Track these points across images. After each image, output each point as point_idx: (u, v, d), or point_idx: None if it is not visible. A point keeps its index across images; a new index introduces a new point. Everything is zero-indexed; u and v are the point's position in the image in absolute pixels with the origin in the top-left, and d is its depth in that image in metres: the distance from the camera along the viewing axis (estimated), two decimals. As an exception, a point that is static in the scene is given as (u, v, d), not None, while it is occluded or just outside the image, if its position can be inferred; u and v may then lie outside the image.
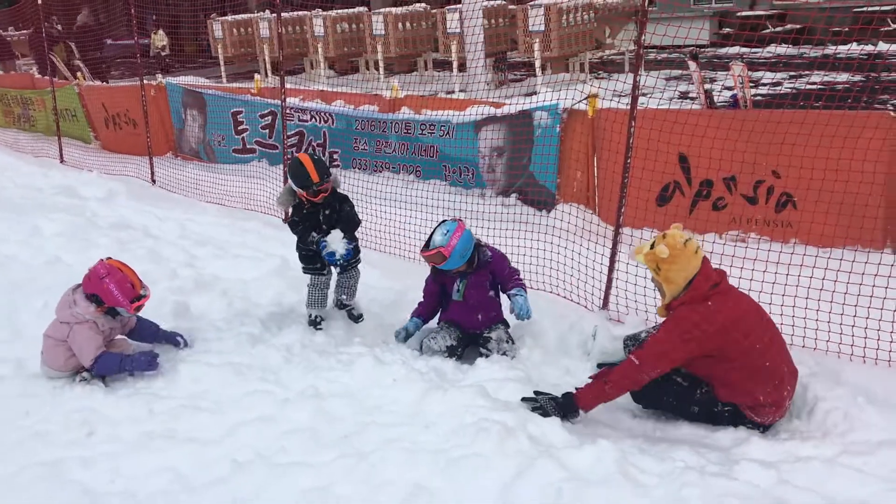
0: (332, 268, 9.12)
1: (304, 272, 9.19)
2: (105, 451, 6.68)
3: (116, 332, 8.25)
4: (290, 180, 8.66)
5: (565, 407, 6.93)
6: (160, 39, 29.07)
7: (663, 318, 7.09)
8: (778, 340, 6.91)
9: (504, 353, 8.18)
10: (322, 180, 8.45)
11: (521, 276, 8.66)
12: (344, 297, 9.25)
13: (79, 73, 23.50)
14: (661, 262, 6.79)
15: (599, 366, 7.87)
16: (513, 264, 8.79)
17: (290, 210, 8.88)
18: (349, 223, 8.83)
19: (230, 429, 6.87)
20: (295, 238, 8.92)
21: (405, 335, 8.60)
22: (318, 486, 6.02)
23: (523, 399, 7.16)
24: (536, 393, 7.26)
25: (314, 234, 8.64)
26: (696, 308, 6.69)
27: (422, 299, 8.83)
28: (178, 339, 8.52)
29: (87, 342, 7.79)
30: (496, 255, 8.55)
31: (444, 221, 8.33)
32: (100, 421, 7.13)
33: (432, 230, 8.28)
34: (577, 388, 7.04)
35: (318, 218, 8.74)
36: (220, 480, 6.18)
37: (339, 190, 8.90)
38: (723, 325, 6.61)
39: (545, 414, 6.92)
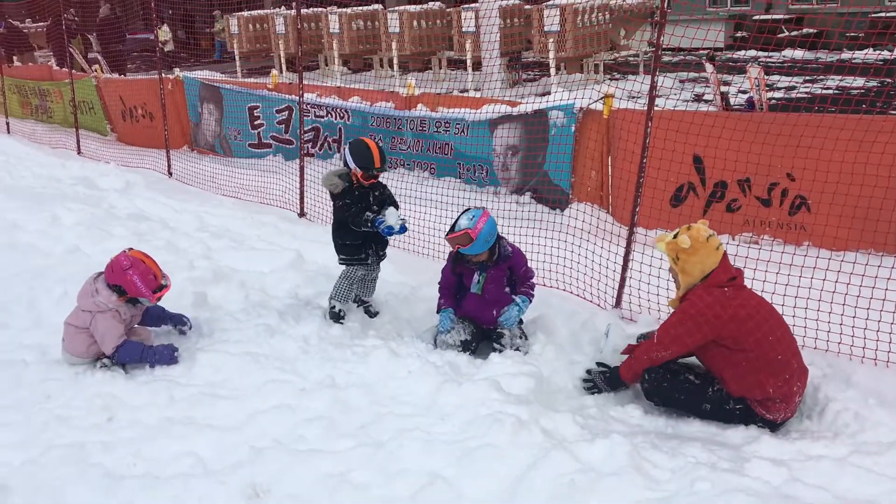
0: (369, 261, 9.18)
1: (342, 262, 9.26)
2: (126, 435, 6.77)
3: (136, 319, 8.34)
4: (348, 159, 8.80)
5: (612, 381, 7.46)
6: (164, 34, 29.04)
7: (674, 308, 7.21)
8: (789, 336, 6.96)
9: (517, 349, 8.25)
10: (382, 166, 8.74)
11: (534, 279, 8.78)
12: (364, 294, 9.37)
13: (96, 66, 23.58)
14: (681, 253, 6.91)
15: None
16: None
17: (338, 192, 8.91)
18: (395, 203, 9.04)
19: (249, 416, 6.96)
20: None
21: (450, 325, 8.56)
22: (336, 473, 6.09)
23: (583, 380, 7.67)
24: (588, 371, 7.64)
25: (368, 213, 8.73)
26: (711, 291, 6.82)
27: (440, 294, 8.81)
28: (185, 320, 8.65)
29: (110, 331, 7.88)
30: (516, 251, 8.60)
31: (468, 209, 8.40)
32: (120, 406, 7.22)
33: (457, 217, 8.33)
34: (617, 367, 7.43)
35: (369, 199, 8.88)
36: (239, 465, 6.26)
37: None
38: (736, 313, 6.71)
39: (598, 391, 7.46)
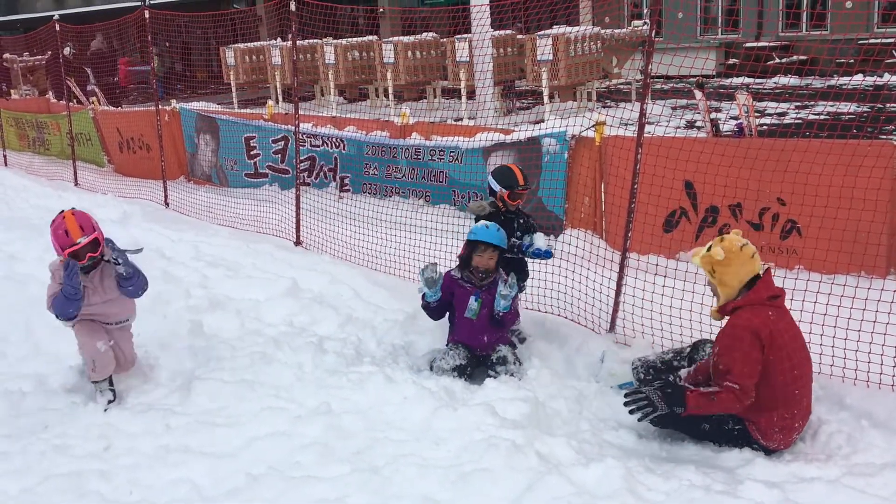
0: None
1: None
2: (123, 463, 6.81)
3: (96, 292, 8.12)
4: (492, 184, 8.99)
5: (674, 399, 6.84)
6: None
7: (716, 320, 7.20)
8: (810, 375, 6.98)
9: (511, 374, 8.29)
10: (526, 184, 8.88)
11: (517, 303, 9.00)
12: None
13: (93, 99, 23.68)
14: (717, 265, 6.89)
15: (621, 386, 7.99)
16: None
17: (485, 215, 8.96)
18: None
19: (244, 443, 7.00)
20: None
21: (435, 292, 8.70)
22: (332, 499, 6.13)
23: (626, 393, 7.16)
24: (639, 385, 7.51)
25: (513, 238, 8.83)
26: (756, 312, 6.73)
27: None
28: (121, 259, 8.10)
29: (48, 289, 7.94)
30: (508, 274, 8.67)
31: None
32: (117, 435, 7.27)
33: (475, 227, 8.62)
34: (689, 387, 6.96)
35: (514, 226, 8.98)
36: (236, 492, 6.30)
37: None
38: (779, 334, 6.68)
39: (652, 407, 6.89)
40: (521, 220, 9.10)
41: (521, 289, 9.27)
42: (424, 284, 8.61)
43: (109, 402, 7.97)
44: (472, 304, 8.55)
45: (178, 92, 29.74)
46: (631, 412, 7.03)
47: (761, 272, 6.91)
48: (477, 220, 8.92)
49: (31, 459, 6.90)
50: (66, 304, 7.79)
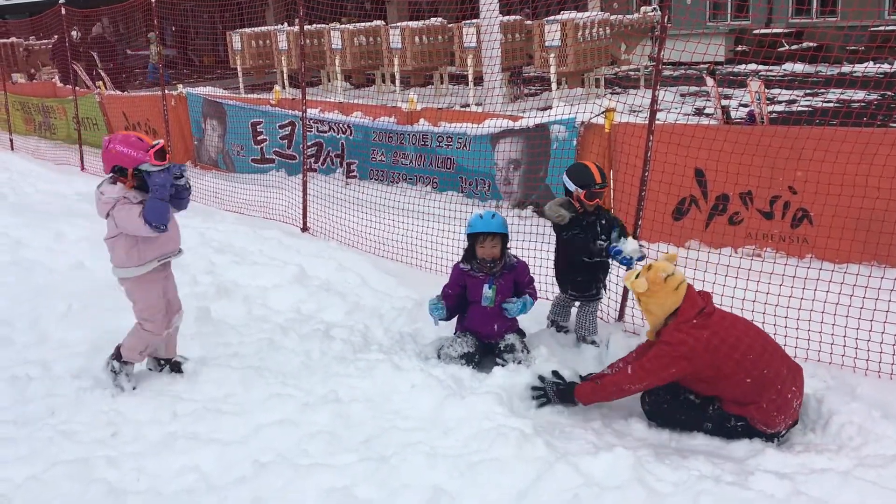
0: (600, 295, 9.06)
1: (573, 299, 9.08)
2: (130, 451, 6.77)
3: None
4: (567, 184, 8.64)
5: (565, 396, 7.40)
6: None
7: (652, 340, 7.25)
8: (771, 345, 7.01)
9: (519, 363, 8.24)
10: (603, 182, 8.51)
11: (536, 288, 8.90)
12: (586, 331, 9.05)
13: (100, 83, 23.67)
14: (640, 295, 7.01)
15: None
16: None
17: (565, 224, 8.60)
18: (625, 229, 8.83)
19: (252, 431, 6.96)
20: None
21: (441, 314, 8.66)
22: (340, 487, 6.09)
23: (533, 388, 7.63)
24: (541, 378, 7.67)
25: (600, 241, 8.53)
26: (681, 328, 6.85)
27: (442, 295, 8.77)
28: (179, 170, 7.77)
29: (129, 213, 7.43)
30: (521, 262, 8.70)
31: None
32: (124, 422, 7.22)
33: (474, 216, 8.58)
34: (580, 379, 7.50)
35: (597, 229, 8.64)
36: (243, 480, 6.26)
37: None
38: (709, 342, 6.74)
39: (546, 400, 7.44)
40: (604, 221, 8.73)
41: (604, 289, 9.15)
42: (435, 313, 8.66)
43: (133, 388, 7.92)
44: (487, 291, 8.49)
45: (183, 77, 29.70)
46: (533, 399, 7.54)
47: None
48: (555, 227, 8.76)
49: (38, 446, 6.86)
50: (163, 209, 7.45)
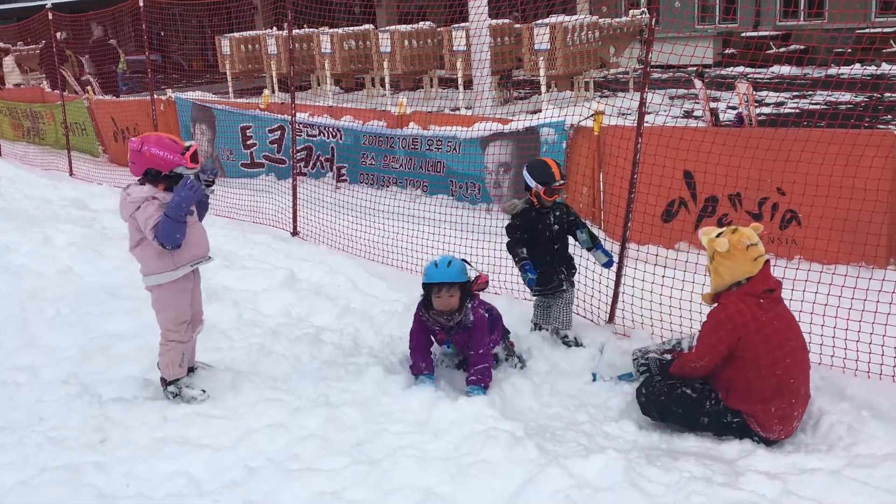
0: (563, 286, 8.93)
1: (536, 294, 8.96)
2: (119, 456, 6.76)
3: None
4: (528, 179, 8.67)
5: (664, 372, 7.35)
6: (122, 63, 29.18)
7: (707, 304, 7.21)
8: (806, 360, 6.96)
9: (513, 366, 8.26)
10: (563, 179, 8.55)
11: (491, 362, 8.02)
12: (561, 324, 9.02)
13: (88, 88, 23.65)
14: (717, 254, 6.86)
15: (621, 378, 7.96)
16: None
17: (513, 211, 8.77)
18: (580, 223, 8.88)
19: (242, 435, 6.96)
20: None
21: (427, 380, 7.96)
22: (330, 491, 6.10)
23: (638, 362, 7.75)
24: (643, 355, 7.77)
25: (523, 250, 8.57)
26: (745, 299, 6.74)
27: (412, 357, 8.15)
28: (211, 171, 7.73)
29: (150, 217, 7.23)
30: (478, 322, 7.98)
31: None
32: (113, 427, 7.19)
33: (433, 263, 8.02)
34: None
35: (549, 220, 8.71)
36: (234, 484, 6.27)
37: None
38: (764, 326, 6.66)
39: (649, 373, 7.51)
40: (558, 213, 8.76)
41: (570, 283, 9.06)
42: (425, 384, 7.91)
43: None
44: (446, 349, 8.33)
45: (173, 81, 29.70)
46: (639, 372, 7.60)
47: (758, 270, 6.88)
48: (511, 219, 8.76)
49: (27, 452, 6.84)
50: (174, 230, 7.24)
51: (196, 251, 7.72)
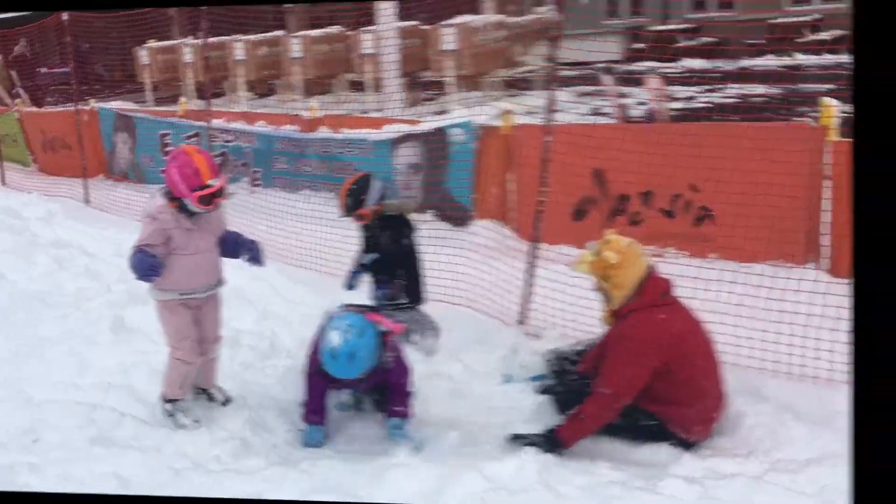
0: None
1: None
2: (53, 457, 6.63)
3: (201, 241, 7.18)
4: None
5: (552, 444, 6.59)
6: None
7: (609, 326, 6.97)
8: (717, 360, 6.89)
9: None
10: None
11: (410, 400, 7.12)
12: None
13: (18, 100, 24.32)
14: (610, 269, 6.69)
15: (534, 378, 7.85)
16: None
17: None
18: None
19: (165, 436, 7.00)
20: None
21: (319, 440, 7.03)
22: (250, 493, 6.06)
23: (514, 437, 6.78)
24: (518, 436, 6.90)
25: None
26: (648, 320, 6.59)
27: (304, 405, 7.13)
28: (256, 247, 7.47)
29: (140, 234, 6.98)
30: (397, 366, 7.02)
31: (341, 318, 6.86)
32: (46, 428, 7.07)
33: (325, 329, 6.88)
34: (557, 426, 6.74)
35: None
36: (161, 486, 6.23)
37: None
38: (675, 338, 6.58)
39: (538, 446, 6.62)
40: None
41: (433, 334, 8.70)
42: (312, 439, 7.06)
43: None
44: (346, 398, 7.46)
45: (95, 92, 29.73)
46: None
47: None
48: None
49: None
50: (139, 264, 6.79)
51: (184, 285, 7.25)
